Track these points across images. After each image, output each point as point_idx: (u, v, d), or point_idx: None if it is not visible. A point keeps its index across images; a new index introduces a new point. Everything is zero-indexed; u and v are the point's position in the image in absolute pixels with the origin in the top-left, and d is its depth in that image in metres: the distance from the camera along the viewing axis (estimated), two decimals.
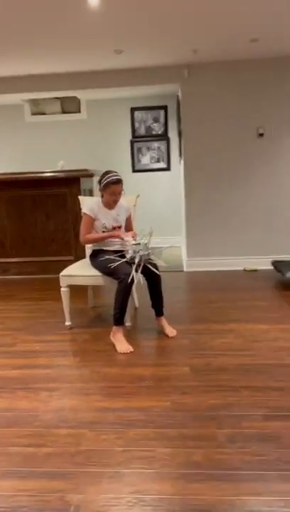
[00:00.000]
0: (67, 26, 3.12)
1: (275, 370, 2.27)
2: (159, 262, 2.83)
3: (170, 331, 2.82)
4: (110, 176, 2.81)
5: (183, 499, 1.40)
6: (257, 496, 1.40)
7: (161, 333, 2.84)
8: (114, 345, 2.63)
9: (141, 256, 2.66)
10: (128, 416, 1.89)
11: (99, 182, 2.88)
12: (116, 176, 2.82)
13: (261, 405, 1.93)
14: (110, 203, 2.92)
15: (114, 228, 2.95)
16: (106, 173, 2.86)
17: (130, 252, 2.68)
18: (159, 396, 2.05)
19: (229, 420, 1.83)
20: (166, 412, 1.91)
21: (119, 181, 2.82)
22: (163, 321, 2.86)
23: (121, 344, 2.60)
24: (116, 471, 1.55)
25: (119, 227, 2.98)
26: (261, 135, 4.37)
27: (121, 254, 2.77)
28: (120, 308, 2.68)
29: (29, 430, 1.82)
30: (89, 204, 2.96)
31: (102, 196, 2.93)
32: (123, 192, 2.92)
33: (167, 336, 2.79)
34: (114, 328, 2.69)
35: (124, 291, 2.66)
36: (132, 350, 2.57)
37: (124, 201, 3.05)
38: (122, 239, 2.80)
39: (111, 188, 2.82)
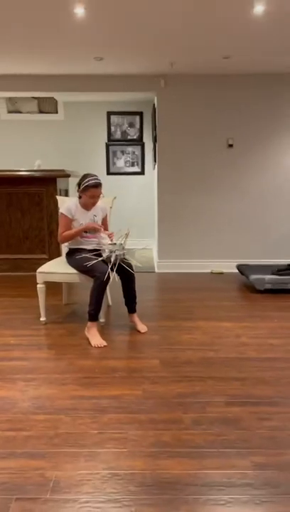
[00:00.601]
0: (51, 31, 3.23)
1: (237, 363, 2.48)
2: (134, 262, 2.99)
3: (142, 327, 2.99)
4: (90, 180, 2.93)
5: (152, 473, 1.56)
6: (218, 470, 1.58)
7: (133, 329, 3.00)
8: (88, 340, 2.76)
9: (116, 255, 2.81)
10: (102, 403, 2.03)
11: (79, 184, 2.99)
12: (96, 179, 2.95)
13: (223, 393, 2.13)
14: (88, 205, 3.05)
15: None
16: (86, 176, 2.97)
17: (106, 251, 2.83)
18: (131, 385, 2.21)
19: (194, 406, 2.01)
20: (138, 400, 2.06)
21: (98, 185, 2.94)
22: (136, 317, 3.02)
23: (96, 338, 2.74)
24: (92, 451, 1.69)
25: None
26: (231, 146, 4.64)
27: (97, 253, 2.90)
28: (95, 304, 2.81)
29: (8, 416, 1.93)
30: (66, 205, 3.07)
31: (80, 197, 3.05)
32: (102, 195, 3.05)
33: (139, 331, 2.95)
34: (89, 323, 2.82)
35: (100, 289, 2.80)
36: (106, 344, 2.71)
37: (100, 202, 3.19)
38: (97, 229, 2.93)
39: (91, 191, 2.94)
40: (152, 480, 1.52)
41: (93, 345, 2.70)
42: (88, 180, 2.92)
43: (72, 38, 3.37)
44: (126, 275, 2.94)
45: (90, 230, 3.00)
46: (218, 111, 4.59)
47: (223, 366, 2.43)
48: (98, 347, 2.69)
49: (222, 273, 4.77)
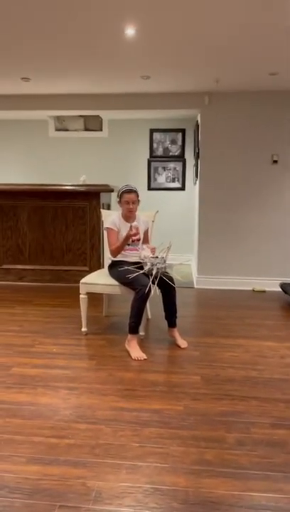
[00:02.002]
0: (100, 53, 3.37)
1: (282, 384, 2.39)
2: (175, 276, 2.99)
3: (182, 342, 2.95)
4: (124, 187, 3.10)
5: (196, 491, 1.52)
6: (264, 493, 1.51)
7: (173, 343, 2.97)
8: (128, 352, 2.77)
9: (158, 268, 2.82)
10: (143, 416, 2.02)
11: (117, 195, 3.12)
12: (130, 186, 3.10)
13: (268, 415, 2.05)
14: (127, 214, 3.10)
15: (133, 241, 3.12)
16: (123, 186, 3.13)
17: (148, 264, 2.84)
18: (172, 400, 2.17)
19: (238, 426, 1.95)
20: (179, 415, 2.03)
21: (131, 191, 3.06)
22: (176, 332, 3.00)
23: (136, 351, 2.74)
24: (134, 464, 1.67)
25: (138, 240, 3.15)
26: (275, 162, 4.58)
27: (139, 265, 2.93)
28: (136, 317, 2.82)
29: (51, 423, 1.95)
30: (110, 219, 3.14)
31: (121, 207, 3.14)
32: (139, 202, 3.11)
33: (179, 346, 2.92)
34: (129, 336, 2.83)
35: (141, 302, 2.81)
36: (146, 357, 2.70)
37: (142, 216, 3.24)
38: (134, 234, 2.92)
39: (125, 197, 3.05)
40: (195, 498, 1.48)
41: (133, 357, 2.70)
42: (123, 188, 3.09)
43: (120, 58, 3.50)
44: (167, 289, 2.94)
45: (132, 238, 3.02)
46: (262, 127, 4.57)
47: (267, 387, 2.35)
48: (138, 360, 2.68)
49: (264, 291, 4.65)
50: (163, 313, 3.02)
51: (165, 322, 3.04)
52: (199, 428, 1.92)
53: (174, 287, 2.94)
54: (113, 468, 1.64)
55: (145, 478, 1.58)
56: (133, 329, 2.82)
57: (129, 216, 3.12)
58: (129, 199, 3.05)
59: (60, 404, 2.13)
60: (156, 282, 2.82)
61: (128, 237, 2.96)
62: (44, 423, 1.95)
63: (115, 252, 3.08)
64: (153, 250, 2.95)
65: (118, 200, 3.13)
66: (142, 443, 1.80)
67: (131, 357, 2.71)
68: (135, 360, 2.68)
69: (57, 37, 3.05)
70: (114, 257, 3.11)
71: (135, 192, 3.07)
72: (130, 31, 2.92)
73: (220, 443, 1.81)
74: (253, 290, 4.69)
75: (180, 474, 1.61)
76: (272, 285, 4.64)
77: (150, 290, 2.77)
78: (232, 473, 1.62)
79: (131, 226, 2.94)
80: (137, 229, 2.94)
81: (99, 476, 1.60)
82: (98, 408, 2.09)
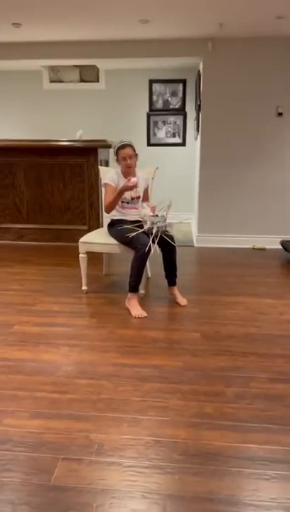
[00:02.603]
0: None
1: (280, 340, 2.41)
2: (175, 234, 2.94)
3: (182, 300, 2.96)
4: (119, 143, 2.99)
5: (195, 443, 1.56)
6: (262, 445, 1.55)
7: (173, 301, 2.98)
8: (128, 310, 2.78)
9: (158, 227, 2.77)
10: (143, 372, 2.05)
11: (114, 153, 3.01)
12: (124, 141, 2.99)
13: (266, 369, 2.08)
14: (126, 170, 3.00)
15: (132, 199, 3.05)
16: (117, 142, 3.02)
17: (148, 223, 2.79)
18: (172, 356, 2.20)
19: (237, 380, 1.98)
20: (179, 371, 2.06)
21: (126, 145, 2.95)
22: (176, 290, 3.00)
23: (136, 309, 2.75)
24: (135, 417, 1.71)
25: (138, 198, 3.08)
26: (281, 114, 4.38)
27: (139, 224, 2.87)
28: (136, 276, 2.80)
29: (52, 379, 1.98)
30: (109, 175, 3.04)
31: (118, 164, 3.03)
32: (136, 155, 3.00)
33: (179, 304, 2.93)
34: (130, 294, 2.83)
35: (141, 260, 2.78)
36: (146, 315, 2.71)
37: (142, 173, 3.13)
38: (132, 187, 2.84)
39: (121, 153, 2.95)
40: (195, 450, 1.52)
41: (133, 315, 2.71)
42: (117, 144, 2.99)
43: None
44: (168, 247, 2.90)
45: (130, 192, 2.94)
46: (269, 76, 4.32)
47: (266, 343, 2.37)
48: (138, 317, 2.70)
49: (264, 249, 4.62)
50: (163, 272, 3.01)
51: (165, 280, 3.03)
52: (198, 383, 1.95)
53: (174, 246, 2.90)
54: (115, 422, 1.68)
55: (146, 431, 1.62)
56: (133, 288, 2.81)
57: (127, 172, 3.02)
58: (125, 154, 2.94)
59: (62, 360, 2.15)
60: (156, 241, 2.77)
61: (123, 189, 2.86)
62: (46, 379, 1.98)
63: (109, 207, 2.98)
64: (153, 209, 2.88)
65: (115, 158, 3.02)
66: (143, 397, 1.84)
67: (131, 315, 2.73)
68: (135, 317, 2.69)
69: None
70: (108, 212, 3.04)
71: (130, 146, 2.97)
72: None
73: (219, 397, 1.85)
74: (253, 248, 4.66)
75: (179, 427, 1.65)
76: (272, 243, 4.59)
77: (150, 249, 2.73)
78: (230, 425, 1.66)
79: (129, 178, 2.84)
80: (136, 183, 2.84)
81: (101, 429, 1.64)
82: (99, 364, 2.12)
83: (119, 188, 2.89)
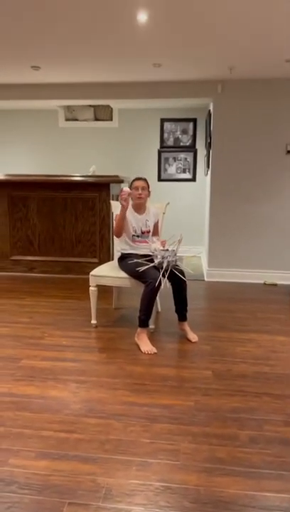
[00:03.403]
0: (112, 40, 3.28)
1: None
2: (186, 269, 2.94)
3: (193, 336, 2.91)
4: (134, 177, 3.14)
5: (207, 490, 1.49)
6: (278, 493, 1.47)
7: (183, 337, 2.93)
8: (138, 346, 2.74)
9: (168, 262, 2.77)
10: (153, 411, 1.99)
11: (129, 187, 3.07)
12: (139, 176, 3.15)
13: (281, 412, 2.00)
14: (136, 202, 3.06)
15: (142, 233, 3.08)
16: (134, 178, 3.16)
17: (158, 257, 2.80)
18: (183, 396, 2.14)
19: (250, 423, 1.91)
20: (190, 411, 2.00)
21: (140, 178, 3.09)
22: (186, 326, 2.96)
23: (146, 345, 2.70)
24: (144, 461, 1.64)
25: (148, 232, 3.11)
26: (289, 152, 4.46)
27: (149, 258, 2.88)
28: (146, 310, 2.78)
29: (60, 417, 1.93)
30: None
31: (132, 199, 3.07)
32: (149, 192, 3.09)
33: (189, 340, 2.88)
34: (139, 329, 2.80)
35: (151, 295, 2.77)
36: (156, 351, 2.67)
37: (153, 208, 3.18)
38: (123, 196, 2.85)
39: (135, 183, 3.05)
40: (207, 497, 1.45)
41: (143, 351, 2.67)
42: (133, 179, 3.13)
43: (132, 45, 3.41)
44: (178, 282, 2.89)
45: (124, 202, 2.92)
46: (276, 116, 4.44)
47: (280, 383, 2.30)
48: (148, 353, 2.65)
49: (275, 284, 4.57)
50: (174, 307, 2.98)
51: (176, 315, 3.00)
52: (210, 424, 1.89)
53: (185, 281, 2.89)
54: (123, 465, 1.61)
55: (155, 476, 1.55)
56: (143, 322, 2.78)
57: (138, 204, 3.07)
58: (138, 185, 3.04)
59: (70, 397, 2.11)
60: (166, 275, 2.77)
61: (123, 204, 2.88)
62: (53, 417, 1.93)
63: (116, 231, 3.05)
64: (163, 243, 2.90)
65: (129, 191, 3.08)
66: (152, 439, 1.78)
67: (141, 350, 2.68)
68: (145, 353, 2.65)
69: (68, 24, 2.97)
70: (117, 236, 3.08)
71: (144, 180, 3.09)
72: (142, 17, 2.83)
73: (232, 440, 1.78)
74: (264, 283, 4.62)
75: (191, 472, 1.58)
76: (284, 278, 4.56)
77: (160, 283, 2.73)
78: (244, 471, 1.58)
79: (121, 189, 2.92)
80: (126, 193, 2.88)
81: (109, 472, 1.57)
82: (108, 402, 2.06)
83: (123, 207, 2.91)
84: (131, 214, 3.06)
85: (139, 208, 3.09)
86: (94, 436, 1.79)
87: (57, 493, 1.46)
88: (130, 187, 3.07)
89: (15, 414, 1.95)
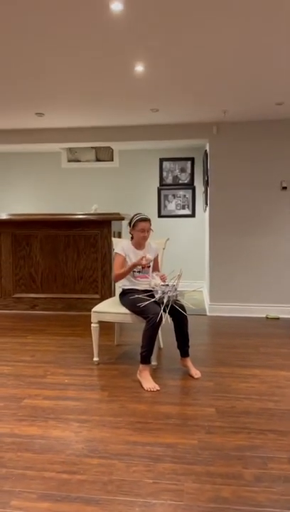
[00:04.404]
0: (111, 89, 3.50)
1: None
2: (186, 304, 2.97)
3: (195, 372, 2.90)
4: (139, 215, 3.11)
5: None
6: None
7: (186, 373, 2.92)
8: (140, 383, 2.72)
9: (169, 297, 2.81)
10: (156, 451, 1.96)
11: (129, 223, 3.14)
12: (143, 214, 3.11)
13: (286, 449, 1.98)
14: (139, 241, 3.12)
15: (143, 268, 3.12)
16: (136, 214, 3.15)
17: (159, 292, 2.84)
18: (186, 434, 2.12)
19: (255, 461, 1.88)
20: (193, 450, 1.97)
21: (146, 219, 3.08)
22: (189, 361, 2.95)
23: (148, 382, 2.69)
24: (147, 501, 1.61)
25: (148, 267, 3.16)
26: (285, 188, 4.61)
27: (150, 293, 2.92)
28: (147, 346, 2.79)
29: (62, 458, 1.91)
30: (120, 245, 3.18)
31: (132, 238, 3.16)
32: (152, 231, 3.14)
33: (192, 376, 2.87)
34: (141, 366, 2.79)
35: (152, 331, 2.78)
36: (158, 388, 2.65)
37: (152, 243, 3.26)
38: (145, 265, 2.95)
39: (140, 225, 3.06)
40: None
41: (146, 388, 2.66)
42: (137, 216, 3.09)
43: (130, 93, 3.63)
44: (179, 317, 2.92)
45: (141, 266, 3.04)
46: (270, 155, 4.63)
47: (284, 419, 2.28)
48: (150, 390, 2.63)
49: (278, 318, 4.58)
50: (176, 343, 2.99)
51: (178, 351, 3.00)
52: (214, 463, 1.86)
53: (186, 316, 2.92)
54: (126, 506, 1.58)
55: None
56: (145, 359, 2.78)
57: (140, 243, 3.14)
58: (144, 227, 3.07)
59: (72, 437, 2.09)
60: (167, 310, 2.80)
61: (135, 264, 2.98)
62: (55, 457, 1.91)
63: (117, 278, 3.10)
64: (163, 278, 2.95)
65: (130, 228, 3.15)
66: (156, 479, 1.75)
67: (143, 388, 2.67)
68: (147, 391, 2.63)
69: (69, 77, 3.19)
70: (116, 282, 3.14)
71: (149, 220, 3.11)
72: (139, 68, 3.05)
73: (237, 479, 1.75)
74: (266, 317, 4.62)
75: None
76: (286, 312, 4.56)
77: (161, 319, 2.76)
78: (250, 511, 1.55)
79: (143, 257, 2.95)
80: (148, 261, 2.95)
81: None
82: (110, 442, 2.04)
83: (132, 263, 3.00)
84: (131, 251, 3.13)
85: (141, 245, 3.17)
86: (96, 477, 1.76)
87: None
88: (132, 224, 3.11)
89: (17, 455, 1.92)
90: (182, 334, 2.96)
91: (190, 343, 2.98)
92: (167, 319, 2.83)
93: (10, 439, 2.07)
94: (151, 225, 3.13)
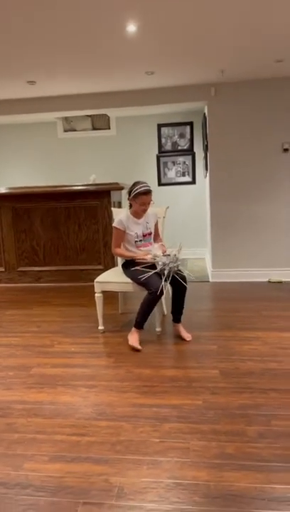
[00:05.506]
0: (103, 51, 3.36)
1: None
2: (188, 274, 2.95)
3: (187, 335, 2.97)
4: (141, 187, 2.93)
5: (217, 485, 1.52)
6: (287, 485, 1.50)
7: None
8: (142, 348, 2.78)
9: (170, 268, 2.79)
10: (162, 412, 2.02)
11: (129, 192, 3.01)
12: (146, 186, 2.94)
13: (288, 406, 2.03)
14: (139, 213, 3.04)
15: (144, 236, 3.08)
16: (136, 183, 2.98)
17: (160, 263, 2.82)
18: (191, 395, 2.18)
19: (258, 419, 1.94)
20: (198, 410, 2.03)
21: (148, 192, 2.94)
22: (181, 327, 3.03)
23: (134, 340, 2.83)
24: (154, 459, 1.68)
25: (150, 234, 3.12)
26: (286, 150, 4.50)
27: (151, 264, 2.91)
28: (143, 316, 2.85)
29: (71, 421, 1.98)
30: (118, 218, 3.07)
31: (130, 206, 3.06)
32: (152, 202, 3.05)
33: (184, 339, 2.94)
34: (133, 328, 2.88)
35: (150, 303, 2.83)
36: (140, 348, 2.78)
37: (150, 209, 3.13)
38: (145, 260, 2.90)
39: (141, 198, 2.93)
40: (217, 492, 1.48)
41: (129, 343, 2.81)
42: (139, 188, 2.93)
43: (123, 55, 3.49)
44: (178, 287, 2.92)
45: (142, 235, 3.03)
46: (272, 115, 4.49)
47: (287, 378, 2.33)
48: (132, 348, 2.78)
49: (281, 282, 4.60)
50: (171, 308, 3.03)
51: (175, 315, 3.05)
52: (219, 422, 1.92)
53: (185, 286, 2.92)
54: (134, 464, 1.65)
55: (166, 473, 1.59)
56: (139, 324, 2.88)
57: (140, 214, 3.07)
58: (144, 201, 2.95)
59: (80, 402, 2.15)
60: (168, 281, 2.80)
61: (137, 258, 2.96)
62: (65, 421, 1.98)
63: (116, 254, 3.14)
64: (163, 248, 2.93)
65: (130, 197, 3.02)
66: (162, 438, 1.81)
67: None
68: (130, 345, 2.80)
69: (59, 38, 3.06)
70: (115, 255, 3.13)
71: (151, 192, 2.96)
72: (131, 28, 2.91)
73: (241, 436, 1.81)
74: (269, 281, 4.64)
75: (201, 468, 1.61)
76: (288, 275, 4.57)
77: (162, 292, 2.78)
78: (253, 466, 1.61)
79: (148, 254, 2.91)
80: (148, 259, 2.90)
81: (121, 472, 1.61)
82: (117, 405, 2.11)
83: (135, 255, 2.99)
84: (131, 221, 3.06)
85: (140, 216, 3.08)
86: (105, 438, 1.83)
87: (71, 494, 1.50)
88: (132, 194, 2.96)
89: (27, 421, 1.99)
90: (178, 302, 3.01)
91: (184, 311, 3.03)
92: (168, 290, 2.84)
93: (20, 405, 2.14)
94: (151, 195, 3.01)
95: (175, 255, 2.82)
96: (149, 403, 2.11)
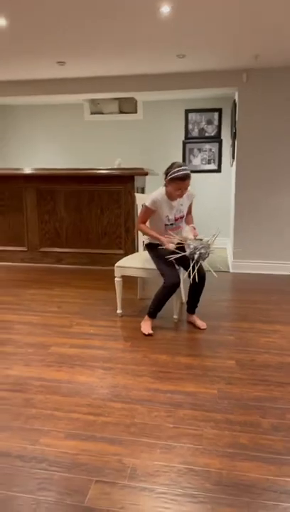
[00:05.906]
0: (135, 33, 3.30)
1: None
2: (210, 270, 2.80)
3: (201, 323, 2.98)
4: (178, 170, 2.72)
5: (229, 474, 1.53)
6: None
7: (208, 327, 2.96)
8: (159, 334, 2.80)
9: (201, 253, 2.64)
10: (177, 398, 2.04)
11: (166, 173, 2.81)
12: (185, 170, 2.72)
13: None
14: (174, 196, 2.85)
15: (175, 220, 2.96)
16: (174, 164, 2.78)
17: (191, 246, 2.65)
18: (206, 384, 2.19)
19: (273, 411, 1.93)
20: (213, 399, 2.04)
21: (187, 177, 2.73)
22: (194, 317, 3.04)
23: (147, 326, 2.86)
24: (168, 444, 1.70)
25: (182, 218, 3.00)
26: None
27: (180, 247, 2.75)
28: (156, 306, 2.87)
29: (88, 401, 2.02)
30: (153, 197, 2.86)
31: (166, 186, 2.85)
32: (189, 188, 2.87)
33: (199, 327, 2.95)
34: (147, 316, 2.92)
35: (165, 295, 2.83)
36: (151, 332, 2.82)
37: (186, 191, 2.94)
38: (164, 244, 2.77)
39: (178, 183, 2.75)
40: (229, 480, 1.50)
41: (141, 330, 2.85)
42: (176, 171, 2.72)
43: (155, 37, 3.41)
44: (199, 281, 2.86)
45: (174, 218, 2.93)
46: None
47: None
48: (144, 333, 2.82)
49: None
50: (186, 298, 3.05)
51: (198, 306, 3.04)
52: (233, 412, 1.93)
53: (205, 279, 2.92)
54: (148, 447, 1.68)
55: (179, 458, 1.61)
56: (152, 314, 2.91)
57: (175, 198, 2.89)
58: (182, 186, 2.77)
59: (97, 383, 2.19)
60: (196, 267, 2.66)
61: (161, 239, 2.80)
62: (81, 400, 2.02)
63: (139, 230, 3.09)
64: (194, 231, 2.84)
65: (167, 178, 2.79)
66: (176, 424, 1.83)
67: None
68: (142, 332, 2.83)
69: (92, 19, 3.02)
70: (137, 230, 3.09)
71: (190, 178, 2.76)
72: (165, 9, 2.84)
73: (255, 427, 1.81)
74: None
75: (213, 456, 1.63)
76: None
77: (178, 285, 2.79)
78: (266, 457, 1.62)
79: (170, 243, 2.75)
80: (172, 247, 2.76)
81: (134, 453, 1.64)
82: (133, 388, 2.13)
83: (158, 236, 2.83)
84: (164, 202, 2.87)
85: (175, 198, 2.90)
86: (120, 420, 1.86)
87: (85, 471, 1.54)
88: (168, 176, 2.76)
89: (45, 397, 2.05)
90: (196, 294, 3.00)
91: (202, 300, 3.05)
92: (195, 276, 2.67)
93: (38, 382, 2.20)
94: (190, 180, 2.78)
95: (207, 241, 2.66)
96: (164, 389, 2.13)
